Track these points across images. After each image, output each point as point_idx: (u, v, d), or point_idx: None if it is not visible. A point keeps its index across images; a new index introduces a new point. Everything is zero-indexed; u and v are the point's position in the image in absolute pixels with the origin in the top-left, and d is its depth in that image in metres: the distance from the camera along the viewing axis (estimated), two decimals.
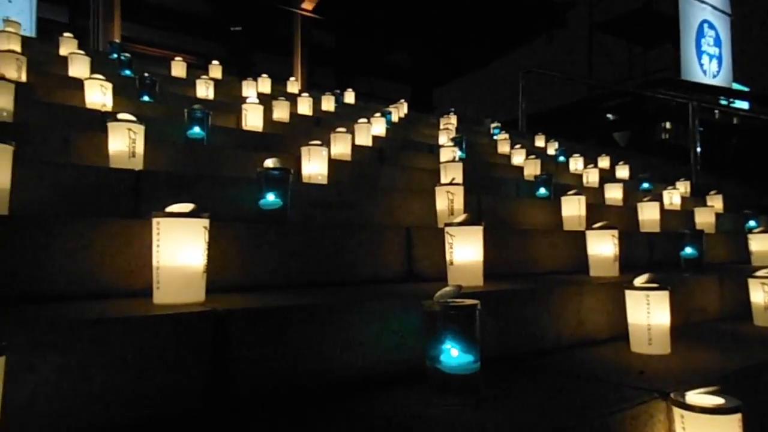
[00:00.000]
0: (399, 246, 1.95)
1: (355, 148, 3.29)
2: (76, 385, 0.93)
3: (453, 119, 5.85)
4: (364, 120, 3.88)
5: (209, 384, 1.09)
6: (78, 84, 3.12)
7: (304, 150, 2.45)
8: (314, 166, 2.44)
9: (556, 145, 5.91)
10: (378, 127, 4.40)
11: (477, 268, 1.77)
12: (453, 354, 1.12)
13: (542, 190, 3.42)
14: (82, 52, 4.04)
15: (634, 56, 14.95)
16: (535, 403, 1.21)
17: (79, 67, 3.77)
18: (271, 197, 1.84)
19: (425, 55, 13.97)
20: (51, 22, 8.63)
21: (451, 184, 2.29)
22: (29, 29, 7.23)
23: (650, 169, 5.59)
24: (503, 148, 5.21)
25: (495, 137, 5.70)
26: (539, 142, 6.15)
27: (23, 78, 3.08)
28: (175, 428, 1.00)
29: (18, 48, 3.79)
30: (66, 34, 4.78)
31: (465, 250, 1.74)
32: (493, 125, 6.34)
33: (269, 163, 1.86)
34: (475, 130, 6.17)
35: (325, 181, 2.46)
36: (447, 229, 1.78)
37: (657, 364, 1.56)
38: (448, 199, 2.25)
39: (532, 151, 5.03)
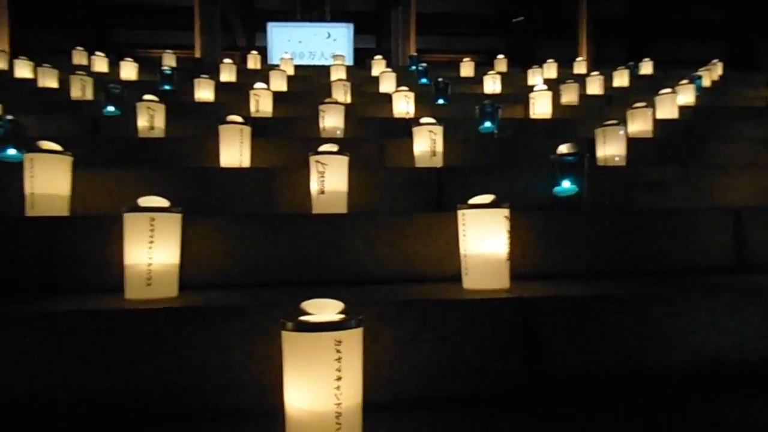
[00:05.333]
0: (723, 230, 1.67)
1: (658, 123, 2.94)
2: (408, 356, 1.08)
3: None
4: (667, 90, 3.43)
5: (519, 367, 1.12)
6: (386, 98, 3.61)
7: (598, 131, 2.32)
8: (610, 147, 2.28)
9: None
10: (685, 95, 3.84)
11: None
12: None
13: None
14: (389, 69, 4.68)
15: None
16: None
17: (387, 83, 4.38)
18: (566, 183, 1.80)
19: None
20: (363, 50, 10.19)
21: None
22: (349, 59, 8.78)
23: None
24: None
25: None
26: None
27: (348, 100, 3.74)
28: (485, 405, 1.07)
29: (344, 76, 4.64)
30: (376, 57, 5.57)
31: None
32: None
33: (563, 148, 1.82)
34: None
35: (623, 163, 2.27)
36: None
37: None
38: None
39: None
